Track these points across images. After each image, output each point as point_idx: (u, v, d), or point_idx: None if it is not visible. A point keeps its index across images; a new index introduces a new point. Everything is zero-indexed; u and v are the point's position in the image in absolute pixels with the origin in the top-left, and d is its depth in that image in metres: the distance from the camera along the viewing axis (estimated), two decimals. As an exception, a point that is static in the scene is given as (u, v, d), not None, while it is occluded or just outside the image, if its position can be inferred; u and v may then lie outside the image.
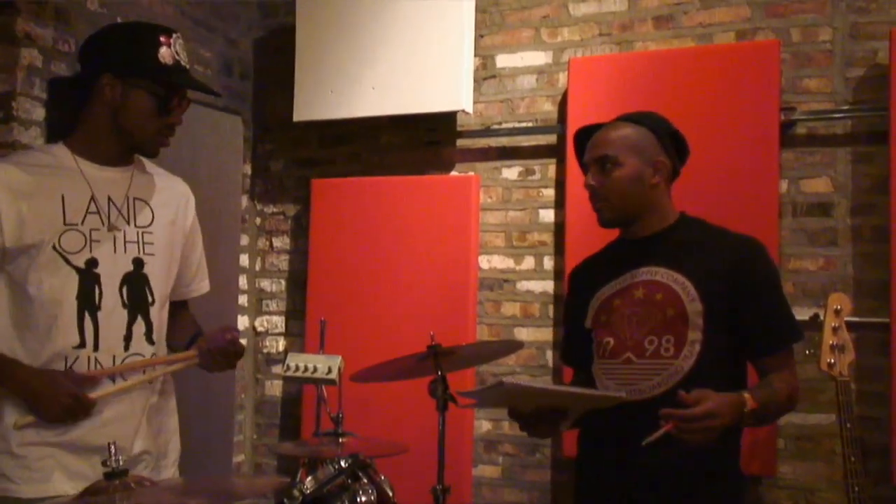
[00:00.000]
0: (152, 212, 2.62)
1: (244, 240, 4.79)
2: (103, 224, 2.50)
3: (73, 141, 2.56)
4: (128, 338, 2.52)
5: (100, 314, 2.47)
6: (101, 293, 2.47)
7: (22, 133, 3.36)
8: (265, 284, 4.89)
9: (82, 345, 2.45)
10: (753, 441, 3.56)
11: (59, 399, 2.35)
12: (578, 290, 2.76)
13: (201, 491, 1.89)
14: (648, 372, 2.46)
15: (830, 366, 2.96)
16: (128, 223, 2.55)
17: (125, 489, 1.71)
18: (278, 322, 4.84)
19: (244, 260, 4.80)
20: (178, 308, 2.83)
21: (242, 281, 4.77)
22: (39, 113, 3.43)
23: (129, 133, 2.52)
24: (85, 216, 2.48)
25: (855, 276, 3.71)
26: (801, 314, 3.15)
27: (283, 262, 4.86)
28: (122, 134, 2.52)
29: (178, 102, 2.55)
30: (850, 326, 3.03)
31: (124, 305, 2.52)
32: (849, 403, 2.92)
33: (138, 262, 2.55)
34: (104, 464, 1.77)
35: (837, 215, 3.75)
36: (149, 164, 2.72)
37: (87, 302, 2.46)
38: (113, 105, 2.49)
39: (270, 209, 4.89)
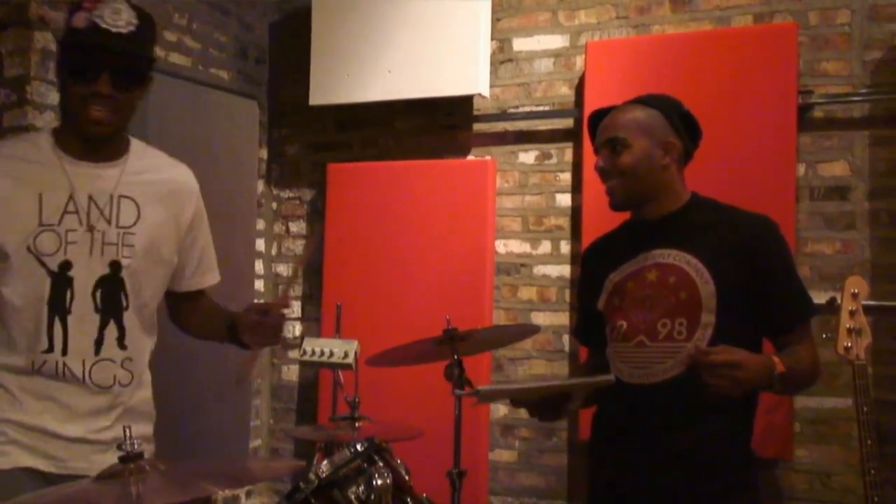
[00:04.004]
0: (139, 210, 2.48)
1: (260, 224, 4.80)
2: (81, 224, 2.39)
3: (58, 131, 2.47)
4: (99, 342, 2.42)
5: (70, 318, 2.38)
6: (72, 297, 2.39)
7: (37, 117, 3.37)
8: (281, 269, 4.90)
9: (51, 349, 2.37)
10: (770, 425, 3.56)
11: None
12: (592, 271, 2.76)
13: (217, 473, 1.90)
14: (661, 355, 2.45)
15: (847, 349, 2.94)
16: (109, 223, 2.43)
17: (140, 472, 1.72)
18: (294, 307, 4.85)
19: (260, 245, 4.81)
20: (194, 297, 2.76)
21: (258, 266, 4.78)
22: (54, 97, 3.43)
23: (66, 113, 2.42)
24: (62, 216, 2.38)
25: (872, 260, 3.70)
26: (818, 298, 3.13)
27: (298, 247, 4.87)
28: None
29: (92, 68, 2.32)
30: (867, 310, 3.00)
31: (97, 310, 2.42)
32: (865, 387, 2.91)
33: (115, 266, 2.44)
34: (119, 447, 1.78)
35: (855, 199, 3.74)
36: (150, 155, 2.60)
37: (58, 306, 2.37)
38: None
39: (286, 194, 4.90)
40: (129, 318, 2.47)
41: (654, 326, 2.48)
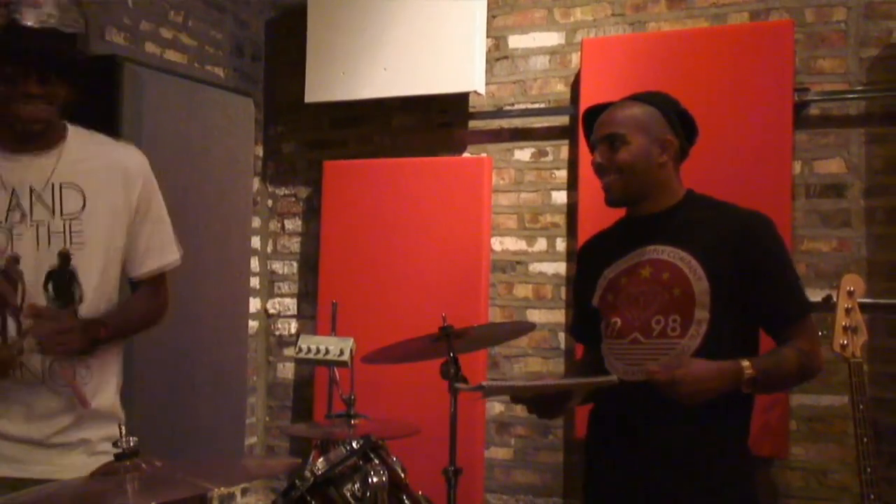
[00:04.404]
0: (84, 197, 2.40)
1: (256, 222, 4.79)
2: (25, 218, 2.33)
3: None
4: None
5: (23, 315, 2.31)
6: (23, 292, 2.32)
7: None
8: (277, 267, 4.89)
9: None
10: (766, 423, 3.56)
11: None
12: (586, 268, 2.76)
13: (212, 471, 1.90)
14: (655, 352, 2.45)
15: (843, 347, 2.95)
16: (52, 214, 2.36)
17: (135, 470, 1.72)
18: (290, 304, 4.85)
19: (256, 242, 4.80)
20: (153, 283, 2.65)
21: (254, 263, 4.77)
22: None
23: None
24: (7, 213, 2.32)
25: (868, 258, 3.70)
26: (814, 295, 3.13)
27: (294, 245, 4.87)
28: None
29: (19, 68, 2.24)
30: (863, 308, 3.01)
31: (50, 303, 2.35)
32: (861, 385, 2.91)
33: (64, 256, 2.36)
34: (115, 444, 1.77)
35: (851, 196, 3.74)
36: (90, 139, 2.51)
37: (9, 303, 2.31)
38: None
39: (282, 191, 4.89)
40: (85, 308, 2.40)
41: (647, 323, 2.48)
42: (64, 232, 2.37)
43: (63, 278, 2.36)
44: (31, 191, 2.35)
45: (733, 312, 2.46)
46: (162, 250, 2.63)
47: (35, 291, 2.33)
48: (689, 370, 2.30)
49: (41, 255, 2.34)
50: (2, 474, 2.31)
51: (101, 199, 2.44)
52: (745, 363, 2.34)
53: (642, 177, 2.54)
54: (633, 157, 2.52)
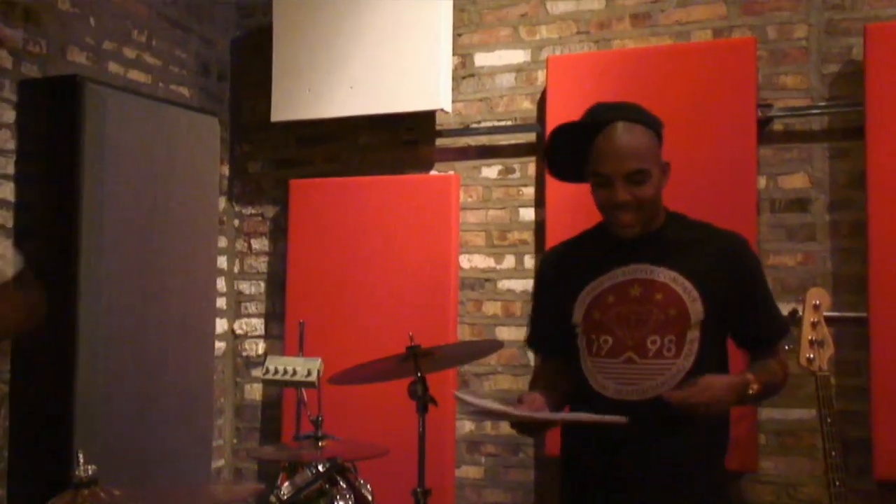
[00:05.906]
0: None
1: (222, 242, 4.76)
2: None
3: None
4: None
5: None
6: None
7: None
8: (244, 287, 4.86)
9: None
10: (735, 437, 3.53)
11: None
12: (558, 280, 2.69)
13: (175, 499, 1.87)
14: (652, 372, 2.44)
15: (810, 361, 2.96)
16: None
17: (94, 498, 1.69)
18: (257, 324, 4.82)
19: (222, 262, 4.77)
20: None
21: (221, 283, 4.73)
22: (10, 115, 3.39)
23: None
24: None
25: (833, 272, 3.72)
26: (781, 310, 3.15)
27: (261, 264, 4.84)
28: None
29: None
30: (829, 321, 3.03)
31: None
32: (829, 398, 2.93)
33: None
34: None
35: (815, 211, 3.76)
36: None
37: None
38: None
39: (248, 210, 4.86)
40: None
41: (643, 343, 2.46)
42: None
43: None
44: None
45: (720, 331, 2.50)
46: None
47: None
48: (709, 393, 2.32)
49: None
50: None
51: None
52: (750, 377, 2.40)
53: (656, 207, 2.52)
54: (655, 191, 2.48)
